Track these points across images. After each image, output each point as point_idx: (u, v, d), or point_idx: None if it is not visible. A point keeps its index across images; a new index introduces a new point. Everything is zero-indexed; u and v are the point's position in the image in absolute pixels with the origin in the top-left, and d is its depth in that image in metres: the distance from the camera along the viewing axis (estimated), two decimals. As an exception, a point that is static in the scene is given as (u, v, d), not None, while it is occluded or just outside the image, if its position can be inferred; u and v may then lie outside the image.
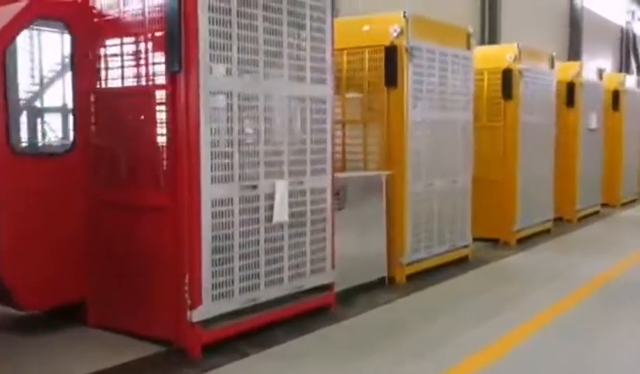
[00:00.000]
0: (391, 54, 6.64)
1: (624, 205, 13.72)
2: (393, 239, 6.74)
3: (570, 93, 11.26)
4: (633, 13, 29.78)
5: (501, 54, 9.09)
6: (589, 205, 11.95)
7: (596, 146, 12.23)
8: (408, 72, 6.69)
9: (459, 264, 7.71)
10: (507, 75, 8.97)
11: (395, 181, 6.73)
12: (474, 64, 8.80)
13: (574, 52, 24.25)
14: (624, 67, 29.35)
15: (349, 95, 7.12)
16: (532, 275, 7.47)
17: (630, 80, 14.36)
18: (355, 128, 7.10)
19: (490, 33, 18.31)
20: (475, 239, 8.85)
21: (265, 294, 5.05)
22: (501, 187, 9.14)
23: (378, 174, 6.61)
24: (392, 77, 6.67)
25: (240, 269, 4.81)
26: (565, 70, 11.24)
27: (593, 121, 11.96)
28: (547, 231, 10.11)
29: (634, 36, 30.46)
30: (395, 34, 6.65)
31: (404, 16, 6.64)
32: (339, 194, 5.98)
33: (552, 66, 10.06)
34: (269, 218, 5.01)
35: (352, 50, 6.98)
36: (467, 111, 7.78)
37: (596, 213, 12.34)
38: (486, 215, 9.15)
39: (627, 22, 29.97)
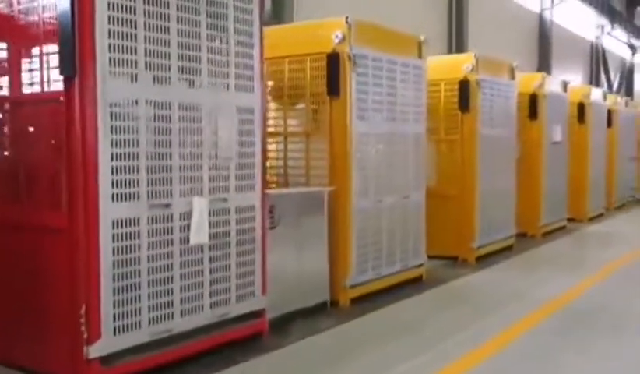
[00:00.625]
0: (333, 61, 6.21)
1: (592, 219, 13.42)
2: (336, 260, 6.28)
3: (532, 105, 10.94)
4: (602, 28, 29.88)
5: (458, 64, 8.72)
6: (554, 220, 11.61)
7: (561, 159, 11.91)
8: (351, 81, 6.26)
9: (413, 285, 7.26)
10: (463, 86, 8.60)
11: (339, 198, 6.28)
12: (429, 74, 8.50)
13: (543, 67, 24.12)
14: (594, 82, 29.40)
15: (293, 106, 6.69)
16: (488, 296, 7.04)
17: (596, 93, 14.12)
18: (298, 141, 6.66)
19: (457, 48, 18.09)
20: (432, 257, 8.47)
21: (182, 324, 4.54)
22: (459, 202, 8.74)
23: (317, 190, 6.15)
24: (334, 86, 6.23)
25: (149, 298, 4.30)
26: (528, 81, 10.93)
27: (557, 134, 11.66)
28: (509, 248, 9.72)
29: (604, 50, 30.58)
30: (337, 41, 6.22)
31: (346, 22, 6.21)
32: (273, 212, 5.51)
33: (512, 77, 9.72)
34: (186, 240, 4.53)
35: (294, 58, 6.55)
36: (419, 122, 7.37)
37: (562, 228, 12.01)
38: (443, 232, 8.76)
39: (597, 37, 30.07)
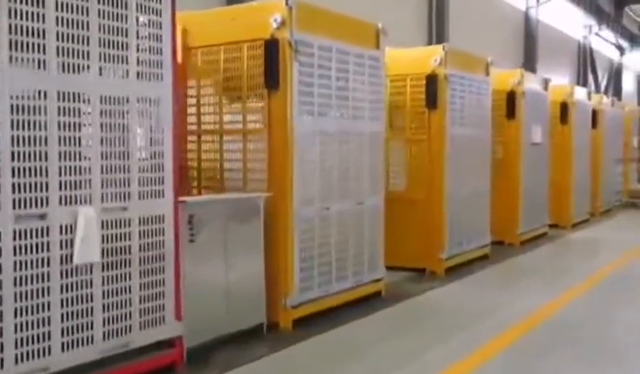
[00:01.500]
0: (271, 49, 5.43)
1: (576, 226, 12.69)
2: (275, 276, 5.49)
3: (510, 103, 10.20)
4: (590, 28, 29.26)
5: (425, 57, 7.96)
6: (534, 227, 10.87)
7: (542, 161, 11.18)
8: (293, 72, 5.48)
9: (369, 302, 6.49)
10: (430, 81, 7.84)
11: (278, 205, 5.49)
12: (394, 68, 7.81)
13: (529, 66, 23.40)
14: (581, 82, 28.74)
15: (230, 100, 5.91)
16: (452, 315, 6.27)
17: (579, 92, 13.41)
18: (235, 140, 5.88)
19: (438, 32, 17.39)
20: (397, 269, 7.75)
21: (63, 360, 3.75)
22: (427, 208, 7.98)
23: (251, 196, 5.37)
24: (272, 77, 5.45)
25: (16, 330, 3.51)
26: (505, 78, 10.19)
27: (538, 135, 10.93)
28: (484, 258, 8.97)
29: (592, 50, 29.96)
30: (275, 25, 5.44)
31: (287, 4, 5.43)
32: (192, 222, 4.72)
33: (487, 73, 8.98)
34: (69, 258, 3.74)
35: (230, 45, 5.77)
36: (377, 120, 6.61)
37: (544, 235, 11.27)
38: (410, 241, 8.02)
39: (585, 37, 29.44)
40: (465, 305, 6.66)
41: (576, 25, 28.48)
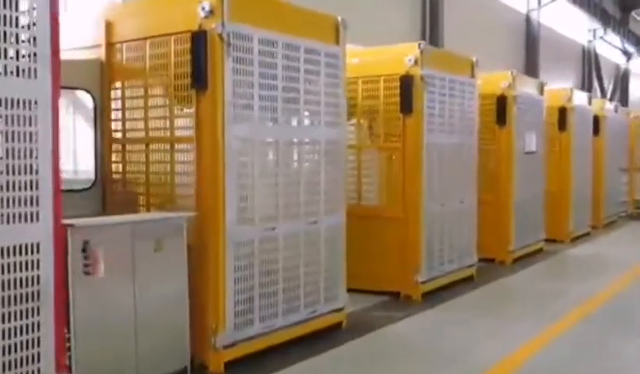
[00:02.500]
0: (198, 42, 4.60)
1: (575, 240, 11.78)
2: (203, 311, 4.65)
3: (500, 108, 9.34)
4: (594, 32, 28.31)
5: (400, 56, 7.12)
6: (528, 242, 9.98)
7: (536, 171, 10.31)
8: (225, 69, 4.64)
9: (329, 335, 5.65)
10: (405, 83, 7.00)
11: (207, 226, 4.66)
12: (367, 68, 7.09)
13: (531, 72, 22.52)
14: (586, 88, 27.79)
15: (156, 103, 5.09)
16: (417, 356, 5.37)
17: (579, 96, 12.52)
18: (162, 150, 5.05)
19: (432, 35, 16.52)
20: (370, 293, 6.93)
21: None
22: (402, 225, 7.12)
23: (169, 216, 4.53)
24: (200, 76, 4.61)
25: None
26: (495, 81, 9.35)
27: (532, 143, 10.06)
28: (470, 279, 8.11)
29: (597, 55, 29.00)
30: (203, 15, 4.60)
31: (218, -9, 4.61)
32: (87, 251, 3.89)
33: (472, 75, 8.13)
34: None
35: (156, 39, 4.95)
36: (337, 127, 5.76)
37: (539, 251, 10.38)
38: (383, 262, 7.18)
39: (589, 41, 28.49)
40: (433, 342, 5.75)
41: (580, 29, 27.54)
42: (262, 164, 5.04)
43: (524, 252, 9.81)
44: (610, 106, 15.07)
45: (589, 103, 12.95)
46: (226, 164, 4.65)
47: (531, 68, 22.72)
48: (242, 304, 4.82)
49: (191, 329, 4.56)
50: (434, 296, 7.18)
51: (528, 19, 23.00)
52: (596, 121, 13.46)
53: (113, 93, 5.21)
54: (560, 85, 20.39)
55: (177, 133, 4.90)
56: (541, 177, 10.50)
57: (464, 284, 7.88)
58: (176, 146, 4.89)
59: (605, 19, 28.99)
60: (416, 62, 6.97)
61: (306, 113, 5.43)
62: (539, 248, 10.41)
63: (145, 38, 4.98)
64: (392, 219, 7.15)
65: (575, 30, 27.00)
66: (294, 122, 5.32)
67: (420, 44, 7.03)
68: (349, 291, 6.54)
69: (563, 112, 11.53)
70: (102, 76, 5.22)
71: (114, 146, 5.26)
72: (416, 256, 7.07)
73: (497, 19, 20.68)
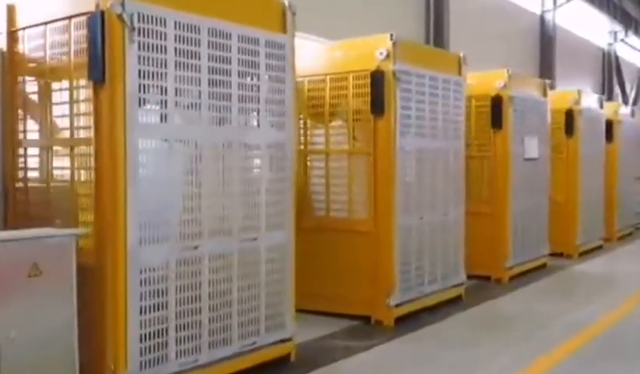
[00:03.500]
0: (93, 25, 3.86)
1: (584, 254, 10.81)
2: (100, 349, 3.88)
3: (495, 110, 8.48)
4: (615, 34, 27.16)
5: (370, 50, 6.31)
6: (528, 258, 9.07)
7: (538, 179, 9.40)
8: (127, 59, 3.88)
9: (274, 369, 4.85)
10: (376, 80, 6.19)
11: (104, 247, 3.90)
12: (335, 64, 6.36)
13: (545, 76, 21.51)
14: (606, 93, 26.65)
15: (58, 100, 4.35)
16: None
17: (589, 99, 11.58)
18: (63, 155, 4.31)
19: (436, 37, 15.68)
20: (340, 317, 6.18)
21: None
22: (372, 241, 6.30)
23: (50, 233, 3.76)
24: (96, 66, 3.86)
25: None
26: (489, 81, 8.50)
27: (532, 148, 9.16)
28: (457, 300, 7.25)
29: (618, 58, 27.82)
30: (102, -3, 3.87)
31: (115, -33, 3.86)
32: None
33: (460, 72, 7.28)
34: None
35: (55, 24, 4.22)
36: (282, 129, 4.95)
37: (542, 267, 9.46)
38: (353, 282, 6.38)
39: (610, 44, 27.35)
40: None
41: (600, 31, 26.42)
42: (180, 171, 4.26)
43: (523, 268, 8.90)
44: (625, 110, 14.06)
45: (601, 106, 11.99)
46: (129, 170, 3.88)
47: (546, 72, 21.69)
48: (151, 340, 4.03)
49: (85, 372, 3.79)
50: (412, 321, 6.33)
51: (542, 21, 22.00)
52: (610, 126, 12.49)
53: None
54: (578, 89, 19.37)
55: (76, 133, 4.15)
56: (544, 186, 9.59)
57: (450, 305, 7.03)
58: (75, 149, 4.15)
59: (626, 20, 27.85)
60: (388, 56, 6.16)
61: (240, 113, 4.63)
62: (541, 263, 9.49)
63: (45, 23, 4.26)
64: (362, 233, 6.34)
65: (594, 32, 25.90)
66: (223, 122, 4.52)
67: (392, 35, 6.21)
68: (318, 313, 5.78)
69: (570, 115, 10.60)
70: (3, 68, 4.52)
71: (18, 150, 4.55)
72: (389, 276, 6.24)
73: (508, 20, 19.74)
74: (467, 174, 8.48)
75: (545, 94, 9.64)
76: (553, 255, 10.26)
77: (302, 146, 6.65)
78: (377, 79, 6.16)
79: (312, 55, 6.69)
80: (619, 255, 11.41)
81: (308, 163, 6.75)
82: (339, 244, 6.43)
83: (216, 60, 4.42)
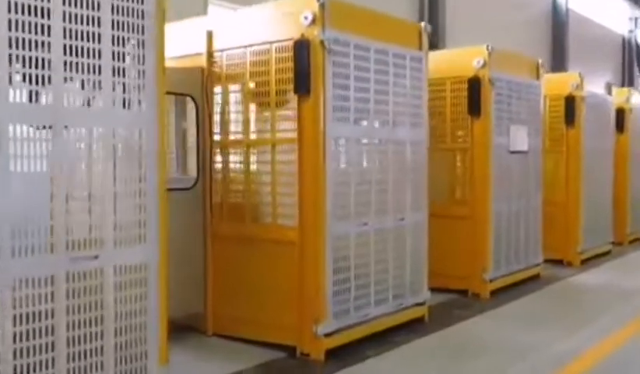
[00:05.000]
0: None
1: (589, 261, 9.43)
2: None
3: (473, 94, 7.17)
4: (636, 20, 25.51)
5: (296, 15, 5.02)
6: (515, 268, 7.72)
7: (528, 176, 8.04)
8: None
9: None
10: (299, 51, 4.91)
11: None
12: (244, 33, 5.05)
13: (558, 64, 20.06)
14: (627, 83, 25.01)
15: None
16: None
17: (594, 84, 10.13)
18: None
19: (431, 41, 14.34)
20: (265, 346, 4.98)
21: None
22: (297, 253, 5.04)
23: None
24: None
25: None
26: (465, 60, 7.22)
27: (521, 139, 7.82)
28: (419, 321, 5.98)
29: (638, 46, 26.13)
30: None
31: None
32: None
33: (420, 47, 5.96)
34: None
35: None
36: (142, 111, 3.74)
37: (533, 278, 8.12)
38: (277, 306, 5.15)
39: (630, 31, 25.69)
40: None
41: (619, 17, 24.80)
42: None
43: (509, 280, 7.56)
44: (639, 97, 12.57)
45: (609, 92, 10.57)
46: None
47: (558, 61, 20.28)
48: None
49: None
50: (348, 352, 5.06)
51: (554, 6, 20.51)
52: (620, 115, 11.09)
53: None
54: (594, 80, 17.87)
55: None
56: (536, 183, 8.23)
57: (407, 330, 5.75)
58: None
59: (648, 5, 26.22)
60: (314, 21, 4.88)
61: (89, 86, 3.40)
62: (533, 274, 8.14)
63: None
64: (284, 244, 5.09)
65: (613, 19, 24.28)
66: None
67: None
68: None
69: (570, 103, 9.20)
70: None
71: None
72: (316, 299, 4.97)
73: (515, 5, 18.31)
74: (440, 169, 7.28)
75: (538, 76, 8.26)
76: (552, 262, 8.96)
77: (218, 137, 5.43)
78: (300, 49, 4.88)
79: (231, 25, 5.47)
80: (629, 262, 9.99)
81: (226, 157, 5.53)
82: (260, 257, 5.21)
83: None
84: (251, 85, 5.29)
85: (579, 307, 7.10)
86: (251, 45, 5.20)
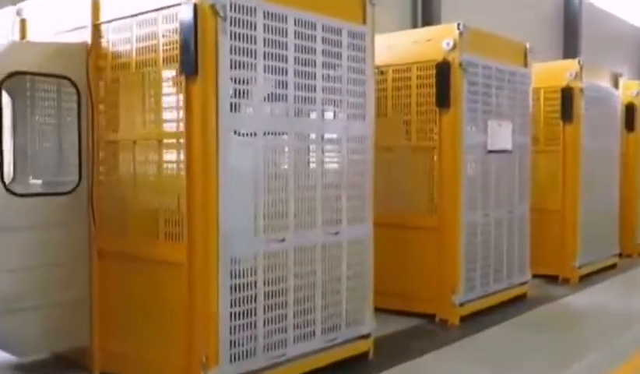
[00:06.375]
0: None
1: (588, 277, 8.22)
2: None
3: (442, 82, 6.01)
4: (657, 13, 24.05)
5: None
6: (494, 289, 6.56)
7: (512, 180, 6.87)
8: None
9: None
10: (184, 32, 3.81)
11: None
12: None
13: (570, 55, 18.73)
14: (646, 79, 23.56)
15: None
16: None
17: (596, 74, 8.91)
18: None
19: (425, 18, 13.24)
20: None
21: None
22: (184, 275, 3.95)
23: None
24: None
25: None
26: (432, 44, 6.07)
27: (502, 138, 6.66)
28: (362, 358, 4.87)
29: (659, 40, 24.68)
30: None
31: None
32: None
33: (364, 20, 4.84)
34: None
35: None
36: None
37: (519, 298, 6.95)
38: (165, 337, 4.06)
39: (649, 24, 24.26)
40: None
41: (637, 8, 23.37)
42: None
43: (486, 303, 6.41)
44: (651, 91, 11.27)
45: (616, 85, 9.33)
46: None
47: (570, 54, 18.93)
48: None
49: None
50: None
51: (567, -3, 19.23)
52: (630, 111, 9.87)
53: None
54: (612, 72, 16.56)
55: None
56: (523, 188, 7.04)
57: (348, 370, 4.66)
58: None
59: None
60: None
61: None
62: (518, 294, 6.97)
63: None
64: (171, 266, 4.01)
65: (630, 10, 22.86)
66: None
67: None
68: None
69: (568, 95, 8.00)
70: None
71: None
72: (208, 340, 3.89)
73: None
74: (403, 172, 6.21)
75: (525, 64, 7.08)
76: (546, 278, 7.81)
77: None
78: (186, 26, 3.79)
79: None
80: (636, 277, 8.76)
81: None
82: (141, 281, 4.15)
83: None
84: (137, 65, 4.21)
85: (567, 338, 5.87)
86: (136, 15, 4.13)
